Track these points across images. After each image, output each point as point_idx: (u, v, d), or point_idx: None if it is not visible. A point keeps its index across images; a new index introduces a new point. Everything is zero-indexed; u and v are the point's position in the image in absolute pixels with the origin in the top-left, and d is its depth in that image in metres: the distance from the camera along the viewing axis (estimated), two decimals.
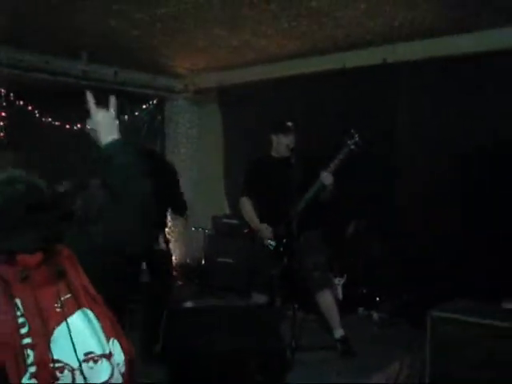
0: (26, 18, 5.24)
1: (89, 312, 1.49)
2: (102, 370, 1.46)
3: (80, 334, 1.46)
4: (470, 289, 4.86)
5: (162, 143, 8.81)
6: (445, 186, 5.77)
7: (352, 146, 4.68)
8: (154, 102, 8.67)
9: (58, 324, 1.45)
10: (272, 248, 4.90)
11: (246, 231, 6.95)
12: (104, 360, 1.46)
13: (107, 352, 1.48)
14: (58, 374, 1.40)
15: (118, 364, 1.50)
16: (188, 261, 8.32)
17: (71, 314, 1.47)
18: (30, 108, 8.24)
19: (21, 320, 1.41)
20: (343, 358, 4.73)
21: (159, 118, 8.78)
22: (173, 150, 8.73)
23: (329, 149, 5.65)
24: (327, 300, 4.91)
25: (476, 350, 4.12)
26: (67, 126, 8.32)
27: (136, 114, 8.57)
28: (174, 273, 7.50)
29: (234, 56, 6.76)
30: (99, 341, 1.47)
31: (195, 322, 4.26)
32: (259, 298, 4.99)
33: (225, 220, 7.63)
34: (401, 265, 5.96)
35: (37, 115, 8.25)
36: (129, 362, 1.52)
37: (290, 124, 4.88)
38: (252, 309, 4.81)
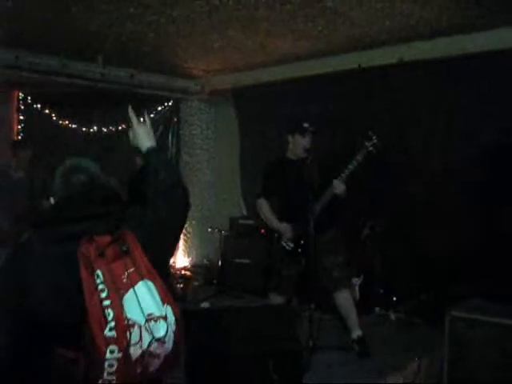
0: (43, 22, 5.29)
1: (149, 282, 1.85)
2: (160, 328, 1.82)
3: (143, 300, 1.82)
4: (488, 288, 4.83)
5: (177, 145, 8.85)
6: (463, 185, 5.74)
7: (370, 148, 4.68)
8: (170, 103, 8.72)
9: (126, 291, 1.80)
10: (290, 249, 4.90)
11: (262, 231, 6.99)
12: (161, 320, 1.83)
13: (164, 314, 1.84)
14: (130, 328, 1.77)
15: (171, 324, 1.85)
16: (205, 262, 8.34)
17: (136, 283, 1.83)
18: (47, 111, 8.33)
19: (100, 287, 1.78)
20: (360, 359, 4.72)
21: (174, 119, 8.82)
22: (188, 152, 8.77)
23: (344, 148, 5.68)
24: (345, 300, 4.91)
25: (495, 350, 4.10)
26: (83, 129, 8.39)
27: (151, 115, 8.62)
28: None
29: (249, 57, 6.77)
30: (157, 305, 1.84)
31: (212, 322, 4.27)
32: (276, 299, 5.00)
33: (241, 221, 7.64)
34: (418, 264, 5.95)
35: (54, 118, 8.33)
36: (178, 322, 1.88)
37: (306, 125, 4.88)
38: (269, 309, 4.81)
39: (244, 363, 3.96)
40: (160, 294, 1.85)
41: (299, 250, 4.87)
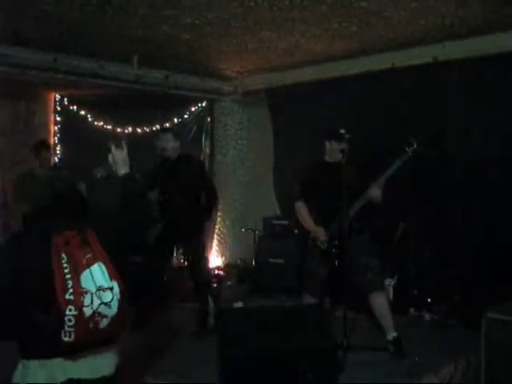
0: (80, 25, 5.38)
1: (101, 264, 2.53)
2: (107, 296, 2.49)
3: (96, 276, 2.50)
4: None
5: (211, 145, 8.91)
6: (498, 186, 5.68)
7: (410, 154, 4.70)
8: (203, 104, 8.78)
9: (85, 269, 2.48)
10: (324, 248, 4.93)
11: (296, 232, 7.01)
12: (108, 290, 2.51)
13: (110, 286, 2.52)
14: (84, 294, 2.44)
15: (116, 294, 2.52)
16: (238, 262, 8.38)
17: (92, 264, 2.51)
18: (83, 112, 8.46)
19: (65, 265, 2.47)
20: (395, 359, 4.71)
21: (208, 120, 8.88)
22: (222, 152, 8.82)
23: (380, 150, 5.66)
24: (380, 302, 4.90)
25: None
26: (119, 130, 8.50)
27: (185, 116, 8.69)
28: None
29: (282, 57, 6.79)
30: (106, 280, 2.52)
31: (246, 321, 4.30)
32: (310, 299, 5.02)
33: (275, 221, 7.65)
34: (452, 265, 5.90)
35: (89, 119, 8.46)
36: (122, 293, 2.54)
37: (342, 131, 4.94)
38: (303, 309, 4.83)
39: (278, 362, 4.00)
40: (109, 272, 2.53)
41: (333, 251, 4.89)
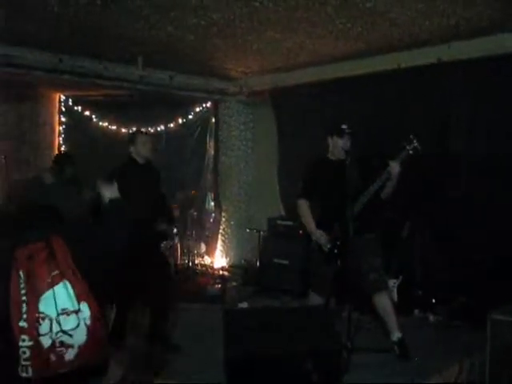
0: (85, 26, 5.39)
1: (68, 283, 2.23)
2: (71, 321, 2.19)
3: (61, 297, 2.20)
4: None
5: (215, 145, 8.91)
6: (502, 186, 5.68)
7: (410, 151, 4.69)
8: (208, 104, 8.79)
9: (48, 289, 2.19)
10: (326, 250, 4.91)
11: (300, 232, 7.00)
12: (74, 314, 2.20)
13: (77, 309, 2.21)
14: (40, 321, 2.14)
15: (85, 318, 2.22)
16: (243, 262, 8.38)
17: (57, 283, 2.21)
18: (87, 113, 8.49)
19: (22, 285, 2.18)
20: (400, 360, 4.71)
21: (213, 120, 8.89)
22: (226, 153, 8.82)
23: (384, 150, 5.65)
24: (384, 302, 4.89)
25: None
26: (123, 130, 8.52)
27: (190, 116, 8.71)
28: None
29: (287, 58, 6.80)
30: (72, 301, 2.21)
31: (251, 322, 4.30)
32: (316, 299, 5.01)
33: (280, 221, 7.64)
34: (458, 266, 5.88)
35: (94, 119, 8.49)
36: (94, 317, 2.25)
37: (344, 127, 4.91)
38: (307, 309, 4.82)
39: (283, 363, 3.99)
40: (77, 292, 2.23)
41: (335, 251, 4.88)
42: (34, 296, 2.17)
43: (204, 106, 8.78)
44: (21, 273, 2.19)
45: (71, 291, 2.23)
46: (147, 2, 4.72)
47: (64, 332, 2.16)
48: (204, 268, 8.32)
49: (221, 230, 8.85)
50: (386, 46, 6.11)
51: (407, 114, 6.33)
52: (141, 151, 5.10)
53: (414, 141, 4.70)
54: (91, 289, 2.29)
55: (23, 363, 2.11)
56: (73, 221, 2.67)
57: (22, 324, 2.13)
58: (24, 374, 2.11)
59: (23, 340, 2.11)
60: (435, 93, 6.21)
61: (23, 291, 2.16)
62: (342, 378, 4.18)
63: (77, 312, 2.21)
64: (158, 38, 5.86)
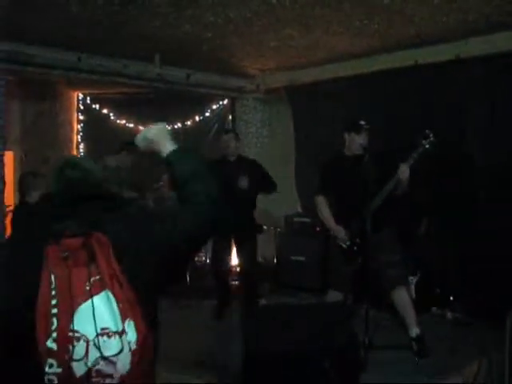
0: (103, 24, 5.43)
1: (110, 294, 1.71)
2: (113, 345, 1.68)
3: (101, 312, 1.69)
4: None
5: None
6: None
7: (427, 146, 4.66)
8: (225, 102, 8.80)
9: (85, 300, 1.69)
10: (346, 247, 4.91)
11: (317, 229, 7.00)
12: (116, 336, 1.68)
13: (120, 330, 1.69)
14: (74, 342, 1.65)
15: (130, 342, 1.70)
16: (260, 259, 8.39)
17: (97, 293, 1.70)
18: (105, 111, 8.54)
19: (53, 293, 1.68)
20: (418, 358, 4.69)
21: (229, 118, 8.90)
22: (244, 150, 8.81)
23: (401, 147, 5.63)
24: (403, 298, 4.88)
25: None
26: (140, 128, 8.55)
27: (207, 114, 8.73)
28: None
29: (304, 55, 6.79)
30: (115, 319, 1.69)
31: (269, 319, 4.31)
32: (335, 296, 5.02)
33: (296, 218, 7.66)
34: (476, 263, 5.85)
35: (112, 117, 8.54)
36: (142, 341, 1.72)
37: (362, 123, 4.91)
38: (325, 307, 4.83)
39: (301, 360, 4.00)
40: (121, 307, 1.71)
41: (355, 248, 4.88)
42: (68, 309, 1.68)
43: (221, 103, 8.80)
44: (52, 277, 1.70)
45: (114, 305, 1.70)
46: (164, 0, 4.74)
47: (104, 359, 1.67)
48: None
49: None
50: (402, 43, 6.08)
51: (424, 110, 6.28)
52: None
53: (431, 135, 4.67)
54: (140, 302, 1.76)
55: None
56: (129, 210, 2.05)
57: (51, 345, 1.65)
58: None
59: (50, 365, 1.64)
60: (453, 89, 6.16)
61: (54, 301, 1.67)
62: (359, 376, 4.18)
63: (121, 334, 1.69)
64: (175, 36, 5.88)
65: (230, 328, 5.46)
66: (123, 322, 1.69)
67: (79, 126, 8.64)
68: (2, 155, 6.04)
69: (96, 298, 1.70)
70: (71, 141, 8.56)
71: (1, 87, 5.89)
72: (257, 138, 8.75)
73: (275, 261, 7.62)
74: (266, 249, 8.23)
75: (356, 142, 4.91)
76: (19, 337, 1.71)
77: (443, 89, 6.22)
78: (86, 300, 1.69)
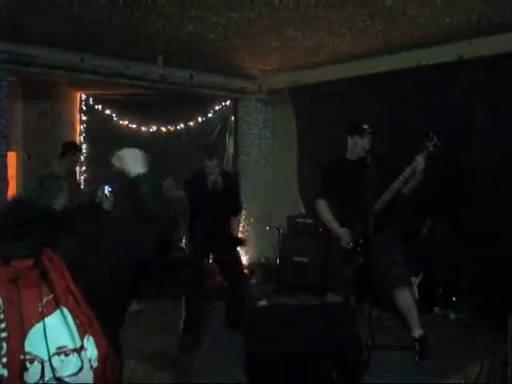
0: (106, 25, 5.44)
1: (66, 311, 1.66)
2: (72, 363, 1.62)
3: (56, 331, 1.63)
4: None
5: (234, 144, 8.94)
6: None
7: (431, 149, 4.66)
8: (227, 103, 8.81)
9: (38, 322, 1.63)
10: (349, 247, 4.90)
11: (320, 230, 7.00)
12: (75, 354, 1.63)
13: (79, 346, 1.64)
14: (27, 364, 1.59)
15: (90, 359, 1.65)
16: (262, 260, 8.40)
17: (50, 313, 1.65)
18: (108, 111, 8.56)
19: (1, 316, 1.62)
20: (421, 358, 4.69)
21: (232, 118, 8.92)
22: (246, 151, 8.84)
23: (404, 149, 5.63)
24: (406, 298, 4.87)
25: None
26: (143, 129, 8.58)
27: (210, 115, 8.74)
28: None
29: (307, 56, 6.79)
30: (72, 336, 1.64)
31: (272, 320, 4.32)
32: (334, 297, 5.02)
33: (299, 219, 7.66)
34: (478, 263, 5.85)
35: (114, 118, 8.55)
36: (103, 357, 1.67)
37: (366, 126, 4.89)
38: (328, 307, 4.83)
39: (303, 361, 4.00)
40: (79, 323, 1.66)
41: (358, 249, 4.87)
42: (18, 331, 1.62)
43: (223, 104, 8.81)
44: (0, 300, 1.65)
45: (71, 322, 1.65)
46: (168, 0, 4.75)
47: (60, 380, 1.59)
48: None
49: (240, 228, 8.87)
50: (405, 44, 6.08)
51: (428, 112, 6.28)
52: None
53: (435, 138, 4.67)
54: (101, 317, 1.72)
55: None
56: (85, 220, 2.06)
57: (1, 371, 1.58)
58: None
59: None
60: (456, 90, 6.16)
61: (3, 325, 1.61)
62: (362, 376, 4.18)
63: (79, 350, 1.63)
64: (178, 37, 5.89)
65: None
66: (82, 338, 1.65)
67: (82, 127, 8.66)
68: (5, 156, 6.05)
69: (50, 318, 1.64)
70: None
71: (3, 88, 5.90)
72: (259, 139, 8.76)
73: (278, 261, 7.62)
74: (269, 249, 8.24)
75: (359, 146, 4.89)
76: None
77: (446, 90, 6.22)
78: (38, 321, 1.64)
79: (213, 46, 6.25)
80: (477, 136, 6.10)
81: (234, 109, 8.90)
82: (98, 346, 1.66)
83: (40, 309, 1.64)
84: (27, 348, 1.61)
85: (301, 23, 5.41)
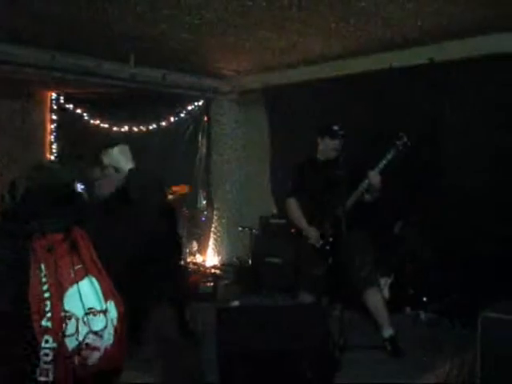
0: (78, 23, 5.38)
1: (93, 279, 2.05)
2: (99, 322, 2.01)
3: (86, 294, 2.01)
4: None
5: (207, 144, 8.91)
6: (492, 186, 5.70)
7: (400, 147, 4.70)
8: (200, 103, 8.78)
9: (71, 285, 2.00)
10: (318, 246, 4.93)
11: (292, 231, 7.00)
12: (101, 314, 2.02)
13: (104, 309, 2.03)
14: (66, 320, 1.95)
15: (112, 319, 2.05)
16: (235, 260, 8.39)
17: (81, 279, 2.03)
18: (79, 111, 8.46)
19: (43, 280, 1.97)
20: (392, 358, 4.72)
21: (205, 119, 8.88)
22: (218, 151, 8.82)
23: (375, 149, 5.67)
24: (376, 299, 4.91)
25: None
26: (114, 128, 8.50)
27: (182, 115, 8.69)
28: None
29: (280, 57, 6.81)
30: (99, 300, 2.03)
31: (243, 320, 4.31)
32: (306, 298, 5.03)
33: (272, 220, 7.67)
34: (449, 264, 5.91)
35: (85, 118, 8.46)
36: (121, 317, 2.08)
37: (336, 128, 4.92)
38: (300, 308, 4.83)
39: (276, 361, 4.00)
40: (103, 290, 2.05)
41: (327, 248, 4.90)
42: (58, 292, 1.96)
43: (196, 104, 8.77)
44: (42, 266, 1.98)
45: (98, 288, 2.03)
46: None
47: (95, 333, 1.98)
48: (196, 266, 8.31)
49: (213, 229, 8.86)
50: (378, 46, 6.13)
51: (399, 113, 6.33)
52: None
53: (404, 138, 4.71)
54: (116, 286, 2.10)
55: (44, 366, 1.90)
56: (97, 209, 2.47)
57: (46, 324, 1.91)
58: (43, 379, 1.89)
59: (46, 341, 1.90)
60: (427, 93, 6.23)
61: (45, 287, 1.96)
62: (334, 376, 4.19)
63: (104, 312, 2.02)
64: (150, 36, 5.86)
65: None
66: (106, 302, 2.03)
67: (52, 126, 8.53)
68: None
69: (81, 283, 2.01)
70: (44, 141, 8.45)
71: None
72: (232, 139, 8.76)
73: (250, 262, 7.61)
74: (241, 250, 8.23)
75: (329, 147, 4.92)
76: (15, 318, 1.98)
77: (418, 92, 6.27)
78: (72, 284, 1.99)
79: (185, 45, 6.23)
80: (447, 136, 6.17)
81: (207, 109, 8.87)
82: (117, 309, 2.06)
83: (72, 275, 2.00)
84: (65, 307, 1.96)
85: (274, 24, 5.42)
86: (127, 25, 5.43)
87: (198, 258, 8.59)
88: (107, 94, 8.12)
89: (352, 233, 4.80)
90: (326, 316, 4.65)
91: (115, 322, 2.04)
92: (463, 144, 6.02)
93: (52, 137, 8.50)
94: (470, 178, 5.90)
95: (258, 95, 8.19)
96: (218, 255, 8.79)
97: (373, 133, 6.43)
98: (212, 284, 7.34)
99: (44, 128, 8.42)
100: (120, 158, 2.59)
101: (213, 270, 8.24)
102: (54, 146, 8.42)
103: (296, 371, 3.92)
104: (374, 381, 4.31)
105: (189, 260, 8.27)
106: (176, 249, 4.90)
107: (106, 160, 2.66)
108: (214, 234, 8.83)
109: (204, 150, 8.89)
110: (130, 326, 2.14)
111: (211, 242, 8.84)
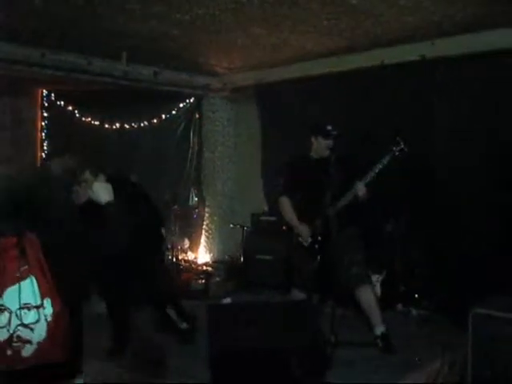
0: (68, 20, 5.36)
1: (34, 279, 2.27)
2: (32, 316, 2.20)
3: (25, 291, 2.22)
4: None
5: (199, 141, 8.90)
6: (483, 185, 5.72)
7: (396, 153, 4.72)
8: (192, 100, 8.76)
9: (14, 284, 2.23)
10: (306, 245, 4.94)
11: (283, 228, 7.01)
12: (35, 309, 2.22)
13: (39, 304, 2.25)
14: None
15: (46, 315, 2.25)
16: (226, 257, 8.39)
17: (24, 278, 2.26)
18: (70, 108, 8.43)
19: None
20: (384, 355, 4.73)
21: (196, 116, 8.87)
22: (210, 148, 8.81)
23: (367, 146, 5.69)
24: (367, 296, 4.92)
25: None
26: (106, 126, 8.48)
27: (174, 112, 8.67)
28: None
29: (272, 54, 6.79)
30: (35, 297, 2.24)
31: (235, 318, 4.30)
32: (298, 295, 5.04)
33: (263, 217, 7.68)
34: (440, 261, 5.93)
35: (77, 115, 8.43)
36: (56, 315, 2.29)
37: (329, 128, 4.93)
38: (291, 305, 4.83)
39: (267, 358, 4.00)
40: (41, 288, 2.28)
41: (316, 246, 4.91)
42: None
43: (188, 101, 8.75)
44: None
45: (36, 287, 2.27)
46: None
47: (23, 325, 2.19)
48: (187, 263, 8.31)
49: (204, 226, 8.85)
50: (370, 43, 6.12)
51: (391, 111, 6.34)
52: None
53: (401, 143, 4.73)
54: (61, 286, 2.32)
55: None
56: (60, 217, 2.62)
57: None
58: None
59: None
60: (419, 90, 6.23)
61: None
62: (325, 373, 4.19)
63: (38, 307, 2.24)
64: (142, 33, 5.83)
65: None
66: (42, 299, 2.27)
67: (43, 124, 8.51)
68: None
69: (23, 282, 2.25)
70: (35, 139, 8.43)
71: None
72: (223, 136, 8.75)
73: (242, 259, 7.61)
74: (233, 247, 8.23)
75: (322, 147, 4.93)
76: None
77: (409, 89, 6.28)
78: (14, 283, 2.23)
79: (177, 42, 6.21)
80: (438, 136, 6.18)
81: (199, 106, 8.85)
82: (53, 306, 2.27)
83: (18, 275, 2.25)
84: (2, 301, 2.19)
85: (266, 21, 5.40)
86: (118, 22, 5.41)
87: (190, 256, 8.59)
88: (99, 92, 8.09)
89: (343, 231, 4.82)
90: (317, 313, 4.66)
91: (49, 318, 2.26)
92: (454, 142, 6.03)
93: (43, 134, 8.48)
94: (460, 176, 5.92)
95: (249, 92, 8.18)
96: (210, 252, 8.78)
97: (365, 129, 6.43)
98: (204, 281, 7.34)
99: (35, 125, 8.39)
100: (100, 194, 2.97)
101: (204, 268, 8.25)
102: (45, 144, 8.40)
103: (287, 368, 3.92)
104: (365, 378, 4.31)
105: (180, 257, 8.26)
106: (156, 250, 4.91)
107: (87, 188, 3.08)
108: (206, 231, 8.83)
109: (196, 147, 8.88)
110: (113, 326, 2.37)
111: (203, 239, 8.83)
